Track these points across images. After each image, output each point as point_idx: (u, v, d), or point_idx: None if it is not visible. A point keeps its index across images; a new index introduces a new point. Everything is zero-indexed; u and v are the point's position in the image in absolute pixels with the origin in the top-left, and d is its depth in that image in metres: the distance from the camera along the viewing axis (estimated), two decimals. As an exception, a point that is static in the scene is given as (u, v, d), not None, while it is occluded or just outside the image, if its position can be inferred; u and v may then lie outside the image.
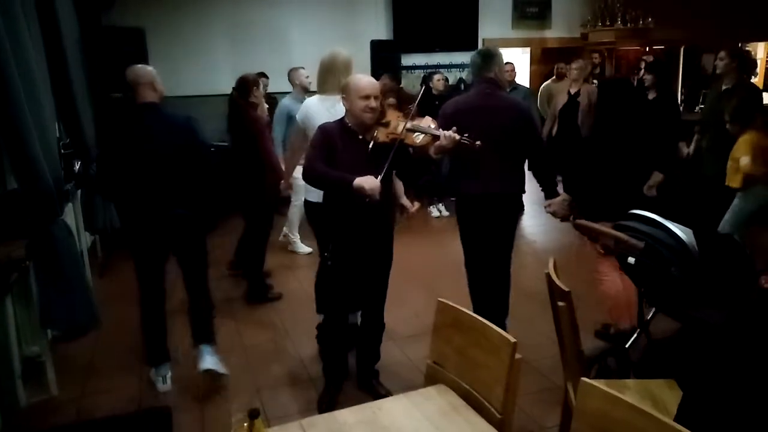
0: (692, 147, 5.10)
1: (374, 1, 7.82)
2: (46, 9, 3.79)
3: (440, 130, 2.75)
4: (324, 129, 2.83)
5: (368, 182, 2.61)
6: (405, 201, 3.44)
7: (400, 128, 2.73)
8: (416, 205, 3.45)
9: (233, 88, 4.39)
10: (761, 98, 4.67)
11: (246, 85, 4.32)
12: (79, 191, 4.50)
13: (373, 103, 2.72)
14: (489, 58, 3.32)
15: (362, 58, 7.43)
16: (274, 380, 3.38)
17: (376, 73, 7.34)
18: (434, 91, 6.58)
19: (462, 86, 7.93)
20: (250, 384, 3.34)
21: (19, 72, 2.71)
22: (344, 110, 2.89)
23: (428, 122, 2.82)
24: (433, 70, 6.95)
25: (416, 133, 2.75)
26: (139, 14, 6.51)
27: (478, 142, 2.71)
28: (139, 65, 3.14)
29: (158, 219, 3.07)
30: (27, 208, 2.87)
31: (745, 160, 3.76)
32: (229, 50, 7.12)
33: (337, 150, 2.75)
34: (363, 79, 2.81)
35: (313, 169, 2.76)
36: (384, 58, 7.35)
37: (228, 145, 4.65)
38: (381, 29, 7.85)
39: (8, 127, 2.70)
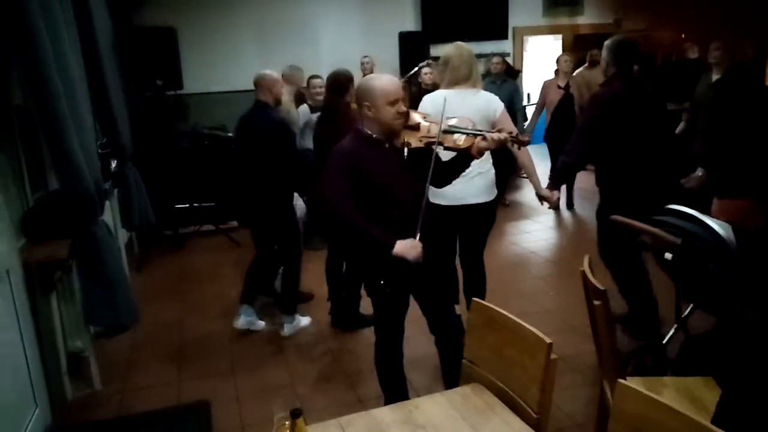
0: (680, 127, 5.29)
1: (402, -8, 7.78)
2: (82, 10, 3.87)
3: (480, 129, 2.48)
4: (343, 151, 2.44)
5: (410, 250, 2.33)
6: (545, 192, 3.35)
7: (434, 131, 2.44)
8: (555, 194, 3.36)
9: (328, 89, 3.81)
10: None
11: (341, 82, 3.77)
12: (115, 190, 4.60)
13: (402, 107, 2.40)
14: (634, 47, 3.41)
15: (391, 51, 7.41)
16: (311, 376, 3.44)
17: (405, 65, 7.32)
18: (423, 86, 6.35)
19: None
20: (288, 379, 3.40)
21: (59, 74, 2.79)
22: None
23: (466, 120, 2.52)
24: (424, 63, 6.70)
25: (454, 135, 2.45)
26: (169, 13, 6.58)
27: (527, 138, 2.49)
28: (265, 71, 3.81)
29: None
30: (69, 209, 2.95)
31: None
32: (258, 46, 7.16)
33: (366, 165, 2.40)
34: (386, 81, 2.44)
35: (342, 213, 2.36)
36: (413, 50, 7.30)
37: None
38: (409, 21, 7.80)
39: (50, 128, 2.77)
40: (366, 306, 3.80)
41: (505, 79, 6.53)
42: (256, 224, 4.00)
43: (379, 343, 2.68)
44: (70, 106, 2.89)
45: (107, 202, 4.20)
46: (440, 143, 2.43)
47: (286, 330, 3.93)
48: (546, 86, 6.85)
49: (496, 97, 3.35)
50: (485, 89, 3.42)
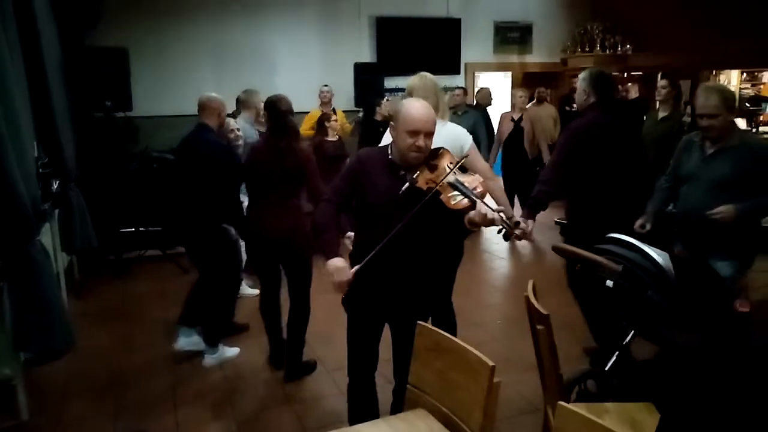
0: None
1: (358, 24, 7.91)
2: (28, 28, 3.77)
3: (481, 199, 2.15)
4: (361, 155, 2.48)
5: (337, 273, 2.27)
6: (520, 220, 3.04)
7: (441, 178, 2.25)
8: (531, 223, 3.16)
9: (282, 110, 3.45)
10: None
11: (287, 108, 3.49)
12: (56, 211, 4.44)
13: (421, 141, 2.25)
14: (611, 79, 3.50)
15: (346, 81, 7.48)
16: (253, 404, 3.35)
17: (359, 95, 7.40)
18: (379, 117, 6.43)
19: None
20: (229, 408, 3.29)
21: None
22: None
23: (476, 182, 2.25)
24: (388, 95, 6.79)
25: (454, 192, 2.20)
26: (122, 34, 6.48)
27: (523, 230, 2.19)
28: (210, 94, 3.81)
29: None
30: (3, 228, 2.82)
31: None
32: (212, 71, 7.12)
33: (370, 180, 2.37)
34: (413, 109, 2.29)
35: (319, 213, 2.46)
36: (367, 81, 7.41)
37: None
38: (365, 52, 7.92)
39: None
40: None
41: (466, 110, 6.65)
42: (190, 247, 3.87)
43: (348, 366, 2.64)
44: (7, 122, 2.79)
45: (47, 224, 4.04)
46: (438, 192, 2.22)
47: (207, 360, 3.77)
48: (502, 118, 7.08)
49: (464, 131, 3.11)
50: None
